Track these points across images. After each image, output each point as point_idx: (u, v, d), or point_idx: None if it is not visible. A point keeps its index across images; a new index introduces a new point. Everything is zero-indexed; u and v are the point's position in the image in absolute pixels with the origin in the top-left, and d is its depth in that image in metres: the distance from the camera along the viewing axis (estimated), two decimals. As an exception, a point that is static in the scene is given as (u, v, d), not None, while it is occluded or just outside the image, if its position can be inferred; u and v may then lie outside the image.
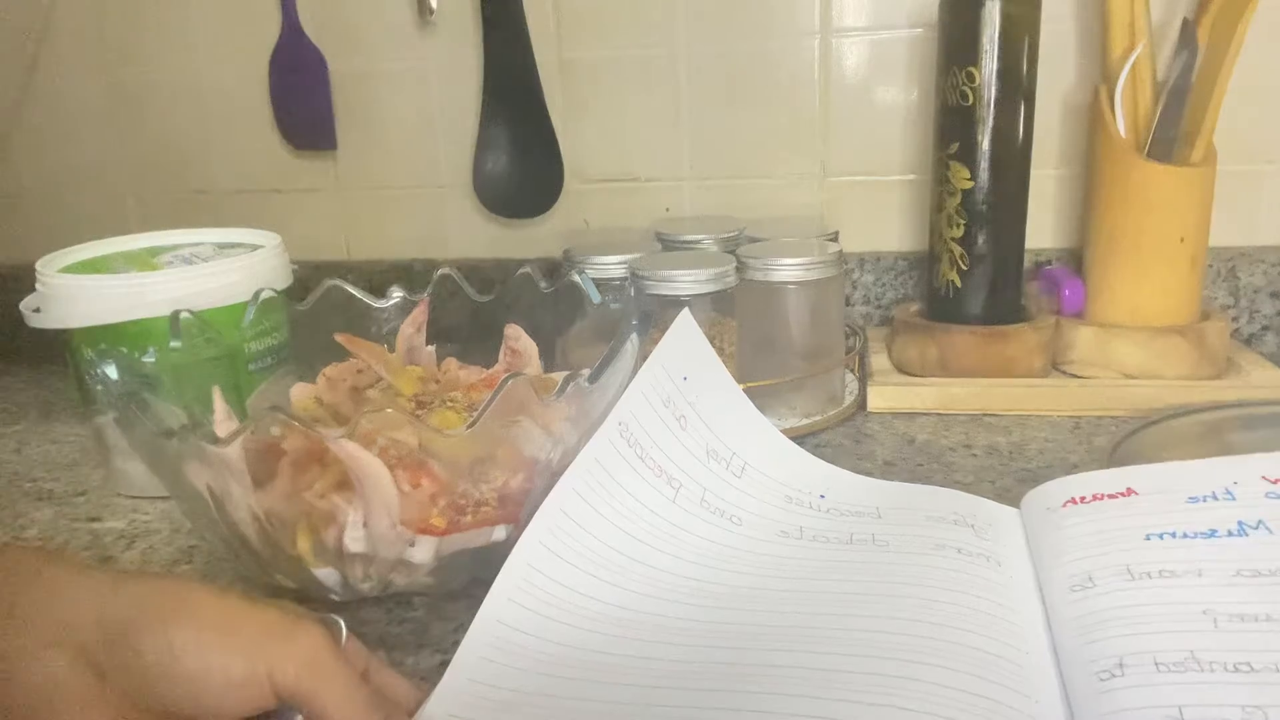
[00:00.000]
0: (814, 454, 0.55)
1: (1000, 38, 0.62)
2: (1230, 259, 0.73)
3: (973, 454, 0.59)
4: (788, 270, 0.61)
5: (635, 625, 0.40)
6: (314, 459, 0.42)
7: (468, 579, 0.44)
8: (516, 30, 0.77)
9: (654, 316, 0.50)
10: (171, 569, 0.50)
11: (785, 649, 0.37)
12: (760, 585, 0.43)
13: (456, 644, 0.38)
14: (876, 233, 0.79)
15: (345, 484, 0.41)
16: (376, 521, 0.41)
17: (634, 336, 0.47)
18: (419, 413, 0.46)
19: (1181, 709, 0.31)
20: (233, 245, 0.63)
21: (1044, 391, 0.65)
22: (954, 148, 0.65)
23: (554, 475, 0.44)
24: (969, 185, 0.65)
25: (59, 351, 0.58)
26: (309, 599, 0.44)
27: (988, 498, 0.49)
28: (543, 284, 0.57)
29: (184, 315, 0.52)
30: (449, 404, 0.47)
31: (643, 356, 0.49)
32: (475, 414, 0.40)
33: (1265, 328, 0.74)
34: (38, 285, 0.56)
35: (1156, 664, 0.33)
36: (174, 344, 0.51)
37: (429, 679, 0.37)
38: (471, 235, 0.84)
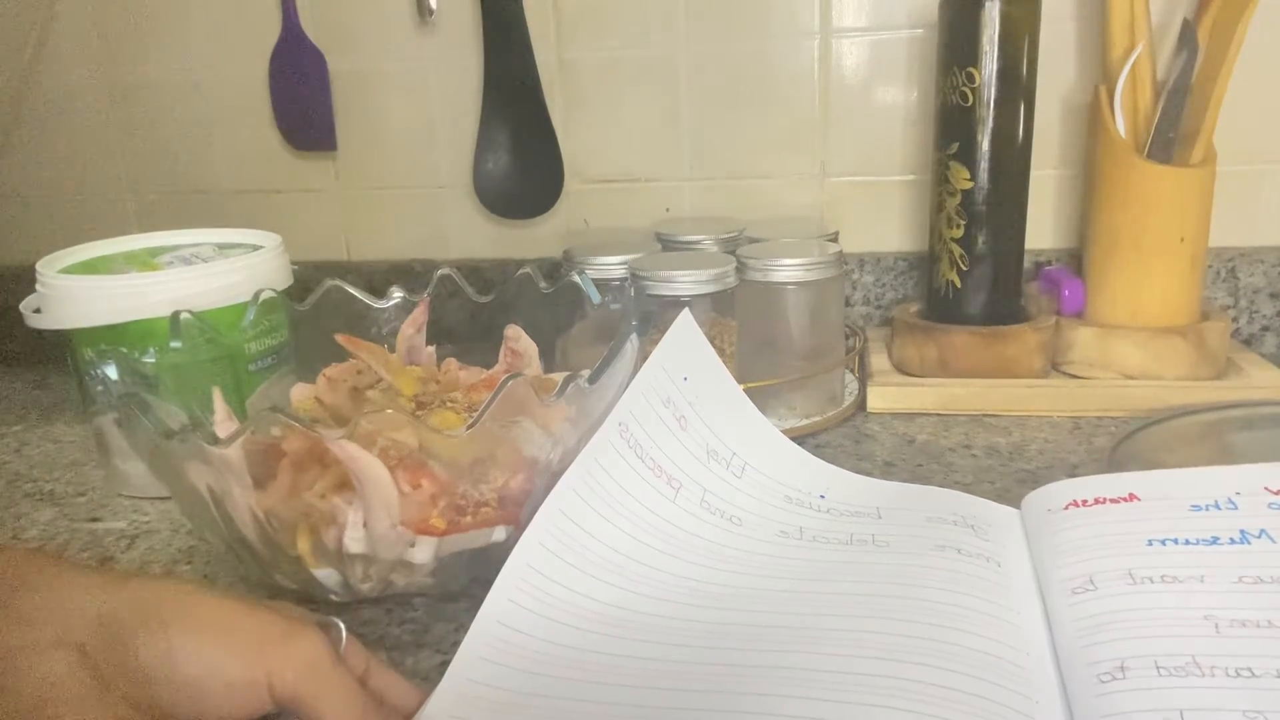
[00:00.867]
0: (814, 454, 0.55)
1: (1000, 38, 0.62)
2: (1230, 259, 0.73)
3: (972, 454, 0.59)
4: (788, 270, 0.61)
5: (634, 625, 0.40)
6: (314, 459, 0.42)
7: (468, 580, 0.44)
8: (516, 30, 0.77)
9: (654, 317, 0.50)
10: (171, 569, 0.50)
11: (784, 649, 0.37)
12: (760, 586, 0.43)
13: (456, 644, 0.38)
14: (876, 233, 0.79)
15: (345, 485, 0.41)
16: (376, 522, 0.41)
17: (634, 337, 0.47)
18: (419, 413, 0.46)
19: (1182, 712, 0.31)
20: (233, 245, 0.63)
21: (1044, 392, 0.65)
22: (954, 148, 0.65)
23: (554, 476, 0.44)
24: (969, 185, 0.65)
25: (59, 351, 0.58)
26: (309, 600, 0.44)
27: (988, 498, 0.49)
28: (543, 284, 0.57)
29: (184, 316, 0.52)
30: (449, 404, 0.47)
31: (643, 357, 0.49)
32: (475, 414, 0.40)
33: (1265, 328, 0.74)
34: (38, 285, 0.56)
35: (1158, 667, 0.33)
36: (174, 344, 0.51)
37: (429, 679, 0.37)
38: (471, 235, 0.84)
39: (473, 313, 0.58)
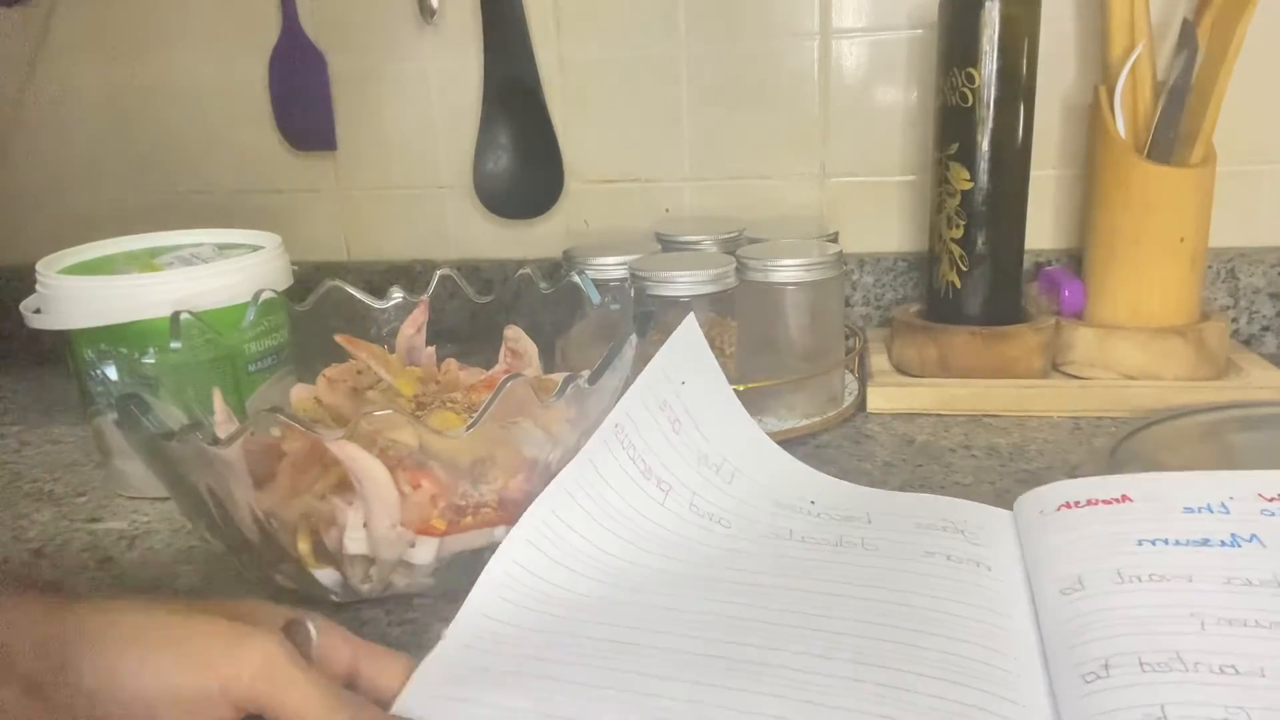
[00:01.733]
0: (814, 455, 0.55)
1: (1000, 38, 0.62)
2: (1230, 259, 0.73)
3: (972, 455, 0.59)
4: (788, 271, 0.61)
5: (613, 613, 0.40)
6: (314, 460, 0.42)
7: (468, 580, 0.44)
8: (516, 30, 0.77)
9: (654, 317, 0.50)
10: (171, 569, 0.50)
11: (762, 645, 0.38)
12: (747, 581, 0.43)
13: (456, 645, 0.38)
14: (876, 233, 0.79)
15: (345, 485, 0.41)
16: (377, 523, 0.41)
17: (633, 337, 0.47)
18: (419, 414, 0.46)
19: (1164, 707, 0.31)
20: (233, 246, 0.63)
21: (1044, 392, 0.65)
22: (954, 148, 0.65)
23: (553, 476, 0.44)
24: (969, 186, 0.65)
25: (59, 352, 0.58)
26: (309, 600, 0.44)
27: (986, 499, 0.49)
28: (543, 284, 0.57)
29: (184, 316, 0.52)
30: (449, 405, 0.47)
31: (642, 357, 0.49)
32: (475, 415, 0.40)
33: (1265, 328, 0.74)
34: (38, 286, 0.56)
35: (1141, 664, 0.34)
36: (174, 345, 0.51)
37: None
38: (471, 235, 0.84)
39: (473, 313, 0.58)
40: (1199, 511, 0.42)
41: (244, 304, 0.56)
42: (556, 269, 0.74)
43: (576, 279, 0.56)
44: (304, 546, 0.42)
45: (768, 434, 0.55)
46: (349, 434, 0.39)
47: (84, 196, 0.88)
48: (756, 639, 0.38)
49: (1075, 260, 0.74)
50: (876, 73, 0.75)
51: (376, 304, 0.58)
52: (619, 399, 0.47)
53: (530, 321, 0.56)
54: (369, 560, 0.42)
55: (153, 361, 0.51)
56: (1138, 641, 0.35)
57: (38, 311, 0.56)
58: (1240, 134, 0.69)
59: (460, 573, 0.44)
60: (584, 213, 0.82)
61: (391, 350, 0.55)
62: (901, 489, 0.54)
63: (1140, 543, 0.40)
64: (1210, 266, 0.73)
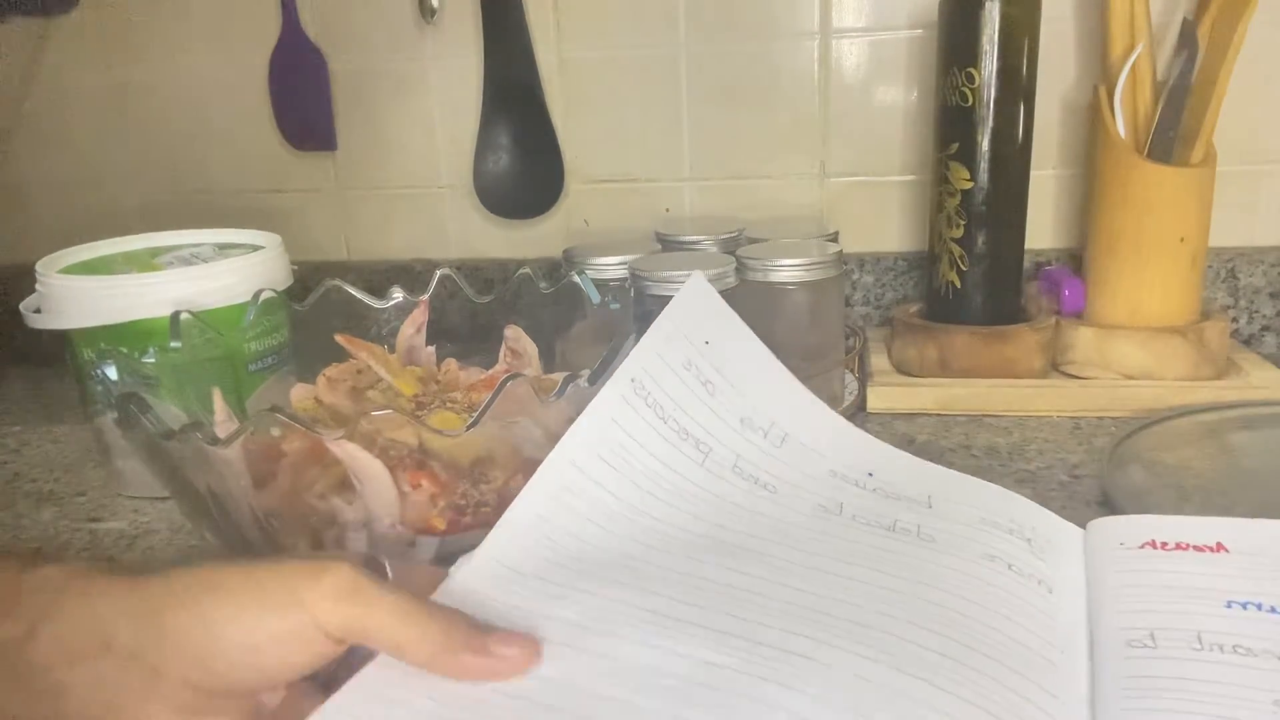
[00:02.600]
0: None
1: (1000, 38, 0.62)
2: (1230, 259, 0.73)
3: (972, 455, 0.59)
4: (788, 270, 0.61)
5: (640, 574, 0.37)
6: (314, 460, 0.42)
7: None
8: (517, 30, 0.77)
9: (654, 317, 0.50)
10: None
11: (792, 632, 0.34)
12: (786, 558, 0.39)
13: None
14: (876, 233, 0.79)
15: (345, 485, 0.41)
16: (377, 522, 0.41)
17: (634, 337, 0.47)
18: (419, 413, 0.46)
19: None
20: (233, 246, 0.63)
21: (1044, 392, 0.65)
22: (954, 148, 0.65)
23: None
24: (969, 185, 0.65)
25: (59, 351, 0.58)
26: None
27: None
28: (543, 284, 0.57)
29: (184, 316, 0.52)
30: (449, 404, 0.47)
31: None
32: (475, 414, 0.40)
33: (1265, 328, 0.74)
34: (38, 286, 0.56)
35: None
36: (174, 344, 0.51)
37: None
38: (471, 235, 0.84)
39: (473, 313, 0.58)
40: None
41: (244, 304, 0.56)
42: (556, 269, 0.74)
43: (576, 279, 0.56)
44: (304, 546, 0.42)
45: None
46: (349, 434, 0.39)
47: (84, 196, 0.89)
48: (783, 624, 0.34)
49: (1075, 260, 0.74)
50: (876, 73, 0.75)
51: (376, 304, 0.58)
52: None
53: (530, 321, 0.56)
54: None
55: (153, 361, 0.51)
56: None
57: (38, 311, 0.56)
58: (1240, 134, 0.69)
59: (460, 572, 0.44)
60: (584, 213, 0.82)
61: (391, 350, 0.55)
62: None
63: (1230, 604, 0.36)
64: (1210, 266, 0.73)
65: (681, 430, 0.45)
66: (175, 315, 0.52)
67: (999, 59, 0.62)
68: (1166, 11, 0.68)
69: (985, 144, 0.64)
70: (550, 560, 0.38)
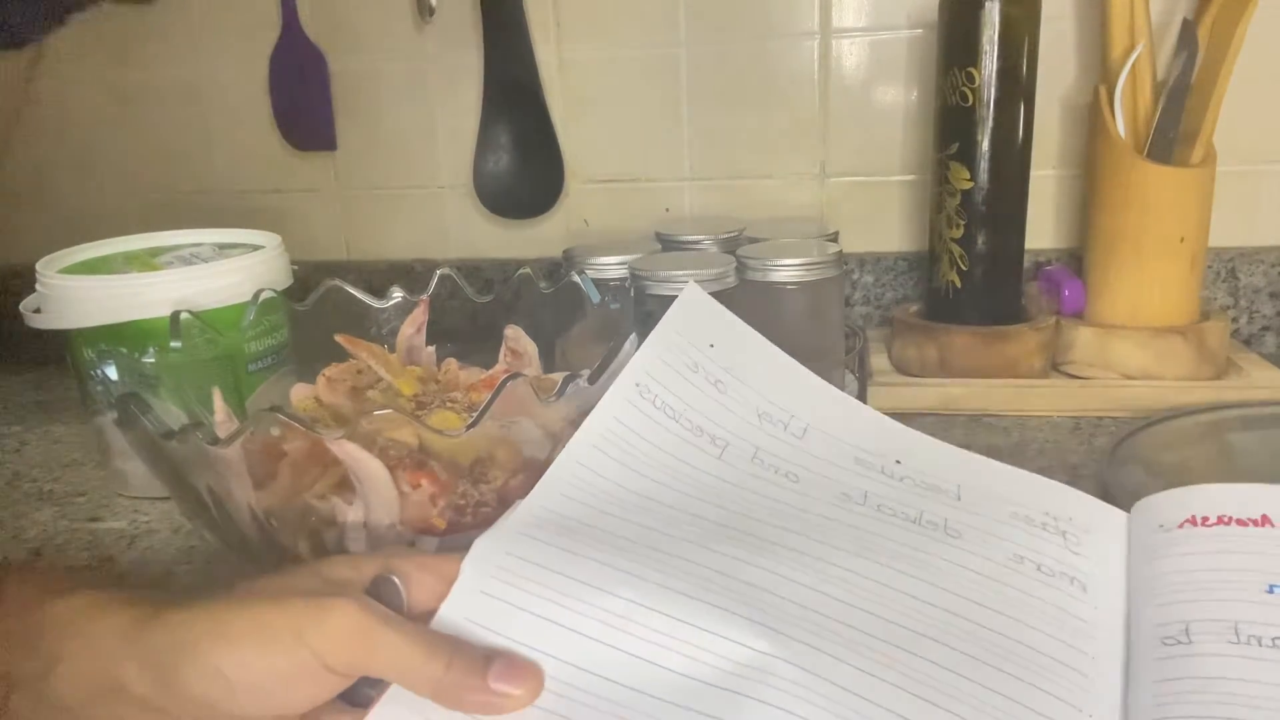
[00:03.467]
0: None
1: (1000, 38, 0.62)
2: (1230, 259, 0.73)
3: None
4: (788, 270, 0.61)
5: (654, 560, 0.36)
6: (314, 459, 0.42)
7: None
8: (517, 30, 0.77)
9: (654, 317, 0.50)
10: (171, 569, 0.50)
11: (800, 634, 0.33)
12: (805, 549, 0.38)
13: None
14: (876, 233, 0.79)
15: (345, 485, 0.41)
16: (377, 522, 0.41)
17: (634, 337, 0.47)
18: (419, 413, 0.46)
19: None
20: (233, 245, 0.63)
21: (1044, 392, 0.65)
22: (954, 148, 0.65)
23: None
24: (969, 185, 0.65)
25: (59, 351, 0.58)
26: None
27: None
28: (543, 284, 0.57)
29: (184, 315, 0.52)
30: (449, 404, 0.47)
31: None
32: (475, 414, 0.40)
33: (1265, 328, 0.74)
34: (38, 285, 0.56)
35: None
36: (174, 344, 0.51)
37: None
38: (471, 235, 0.84)
39: (473, 313, 0.58)
40: None
41: (244, 304, 0.56)
42: (556, 269, 0.74)
43: (576, 279, 0.56)
44: (304, 546, 0.42)
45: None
46: (349, 433, 0.39)
47: (84, 196, 0.89)
48: (788, 623, 0.33)
49: (1075, 260, 0.74)
50: (876, 73, 0.75)
51: (376, 304, 0.58)
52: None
53: (530, 321, 0.55)
54: (369, 560, 0.42)
55: (153, 361, 0.51)
56: None
57: (38, 311, 0.56)
58: (1240, 134, 0.69)
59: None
60: (584, 213, 0.82)
61: (391, 350, 0.55)
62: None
63: (1272, 589, 0.33)
64: (1210, 266, 0.73)
65: (695, 428, 0.44)
66: (175, 315, 0.52)
67: (999, 59, 0.62)
68: (1166, 11, 0.68)
69: (985, 144, 0.64)
70: (564, 548, 0.37)
